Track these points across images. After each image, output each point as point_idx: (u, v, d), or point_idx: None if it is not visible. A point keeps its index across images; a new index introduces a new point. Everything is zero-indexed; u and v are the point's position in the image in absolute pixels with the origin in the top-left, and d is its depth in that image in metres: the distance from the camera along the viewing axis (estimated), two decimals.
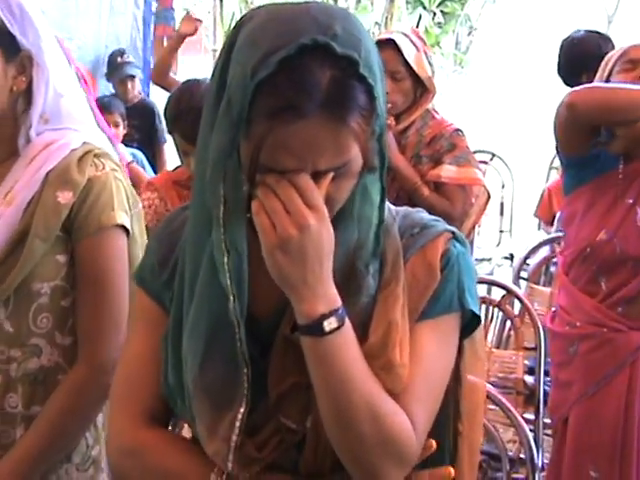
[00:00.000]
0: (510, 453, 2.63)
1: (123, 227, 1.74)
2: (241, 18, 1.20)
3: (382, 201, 1.26)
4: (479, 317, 1.32)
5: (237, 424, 1.23)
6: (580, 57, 4.04)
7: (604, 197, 2.57)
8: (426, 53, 3.30)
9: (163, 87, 4.51)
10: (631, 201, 2.53)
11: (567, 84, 4.09)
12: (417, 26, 12.92)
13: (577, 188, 2.66)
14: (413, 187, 3.21)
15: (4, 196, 1.67)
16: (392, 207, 1.35)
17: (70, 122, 1.75)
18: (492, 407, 2.66)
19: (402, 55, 3.18)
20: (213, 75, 1.21)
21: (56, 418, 1.70)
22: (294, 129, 1.10)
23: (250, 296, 1.24)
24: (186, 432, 1.57)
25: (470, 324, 1.33)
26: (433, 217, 1.35)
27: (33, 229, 1.65)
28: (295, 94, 1.10)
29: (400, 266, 1.26)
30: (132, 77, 5.43)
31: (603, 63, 2.66)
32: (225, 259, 1.20)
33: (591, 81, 2.75)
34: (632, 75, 2.53)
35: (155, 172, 5.38)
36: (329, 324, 1.16)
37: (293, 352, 1.23)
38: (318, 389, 1.20)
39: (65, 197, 1.67)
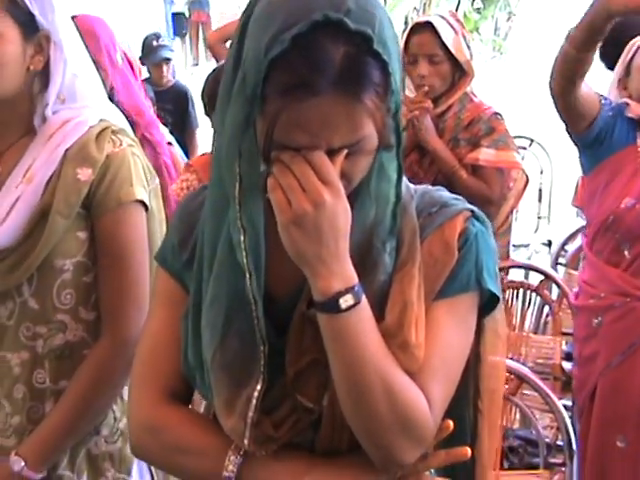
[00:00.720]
0: (547, 439, 2.61)
1: (142, 202, 1.75)
2: None
3: (399, 179, 1.25)
4: (498, 296, 1.31)
5: (253, 401, 1.23)
6: (615, 39, 3.99)
7: (624, 170, 2.61)
8: (464, 36, 3.27)
9: (213, 54, 4.44)
10: None
11: (608, 68, 4.05)
12: (456, 11, 12.84)
13: (595, 167, 2.69)
14: (451, 170, 3.19)
15: (23, 174, 1.68)
16: (411, 185, 1.34)
17: (85, 101, 1.76)
18: (529, 392, 2.65)
19: (440, 38, 3.16)
20: (230, 51, 1.20)
21: (83, 392, 1.72)
22: (307, 106, 1.09)
23: (268, 275, 1.24)
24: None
25: (489, 303, 1.32)
26: (453, 196, 1.34)
27: (54, 206, 1.66)
28: (308, 71, 1.08)
29: (417, 246, 1.25)
30: (167, 60, 5.43)
31: (628, 46, 2.71)
32: (241, 237, 1.20)
33: None
34: None
35: (187, 157, 5.40)
36: (345, 301, 1.15)
37: (311, 330, 1.22)
38: (334, 366, 1.19)
39: (85, 174, 1.68)
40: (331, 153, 1.13)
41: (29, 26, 1.64)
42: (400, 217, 1.26)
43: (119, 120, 1.84)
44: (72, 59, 1.72)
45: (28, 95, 1.70)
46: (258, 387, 1.24)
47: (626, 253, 2.60)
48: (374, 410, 1.18)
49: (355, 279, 1.17)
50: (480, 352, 1.36)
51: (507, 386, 2.43)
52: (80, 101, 1.75)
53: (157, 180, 1.86)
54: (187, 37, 14.03)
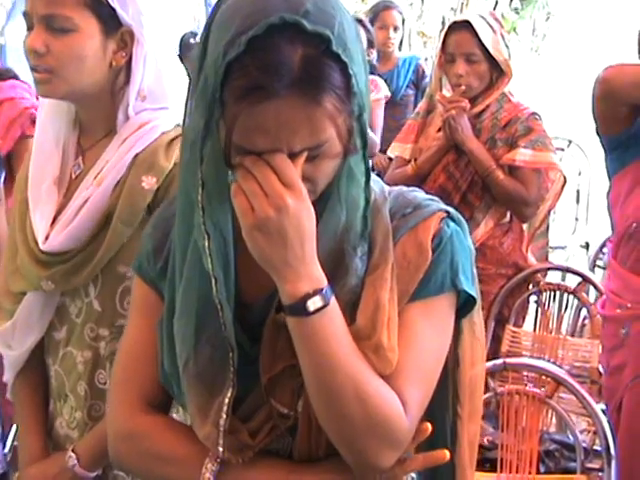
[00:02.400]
0: (584, 444, 2.58)
1: None
2: None
3: (367, 182, 1.22)
4: (475, 298, 1.29)
5: (224, 408, 1.22)
6: None
7: None
8: (503, 36, 3.25)
9: None
10: None
11: None
12: (494, 11, 12.75)
13: (620, 170, 2.63)
14: (487, 171, 3.17)
15: (95, 176, 1.68)
16: (385, 187, 1.32)
17: (167, 101, 1.74)
18: (566, 395, 2.62)
19: (478, 37, 3.14)
20: (196, 55, 1.19)
21: None
22: (265, 109, 1.08)
23: (241, 281, 1.24)
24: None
25: (467, 305, 1.30)
26: (428, 196, 1.31)
27: (117, 213, 1.65)
28: (263, 74, 1.07)
29: (389, 248, 1.23)
30: None
31: None
32: (206, 242, 1.19)
33: None
34: None
35: None
36: (313, 303, 1.14)
37: (284, 336, 1.20)
38: (304, 369, 1.18)
39: (149, 182, 1.66)
40: (293, 156, 1.12)
41: (110, 21, 1.63)
42: (372, 220, 1.25)
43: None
44: (158, 55, 1.70)
45: (111, 92, 1.69)
46: (229, 394, 1.23)
47: None
48: (346, 414, 1.17)
49: (323, 281, 1.16)
50: (459, 355, 1.34)
51: (544, 389, 2.41)
52: (161, 101, 1.73)
53: None
54: None
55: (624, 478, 2.56)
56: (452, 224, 1.28)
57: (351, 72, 1.12)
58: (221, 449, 1.24)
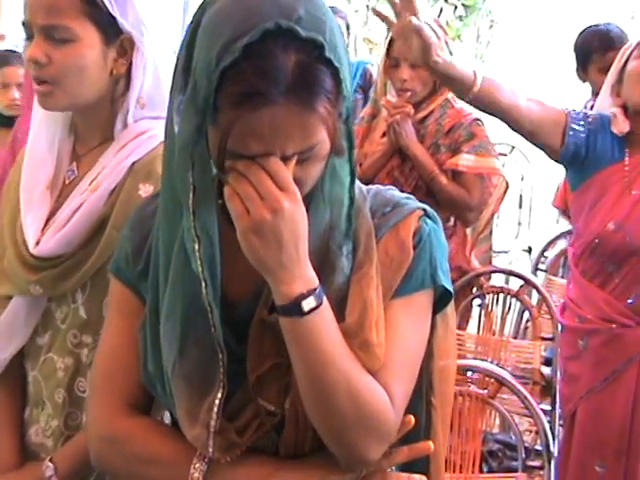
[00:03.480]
0: (526, 444, 2.63)
1: None
2: (206, 1, 1.18)
3: (352, 182, 1.26)
4: (451, 293, 1.33)
5: (215, 409, 1.23)
6: (581, 48, 4.04)
7: (611, 190, 2.55)
8: (447, 42, 3.27)
9: None
10: (638, 192, 2.51)
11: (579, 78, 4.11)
12: (438, 18, 12.83)
13: (582, 184, 2.63)
14: (430, 176, 3.20)
15: (91, 182, 1.67)
16: (363, 186, 1.34)
17: (162, 109, 1.74)
18: (508, 396, 2.66)
19: None
20: (179, 56, 1.20)
21: None
22: (261, 115, 1.09)
23: (226, 281, 1.25)
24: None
25: (442, 299, 1.34)
26: (404, 195, 1.35)
27: (112, 219, 1.64)
28: (260, 80, 1.08)
29: (372, 247, 1.26)
30: None
31: (621, 52, 2.64)
32: (196, 246, 1.20)
33: (601, 72, 2.72)
34: None
35: None
36: (307, 304, 1.16)
37: (270, 334, 1.23)
38: (297, 369, 1.20)
39: (147, 191, 1.64)
40: (284, 159, 1.14)
41: (110, 29, 1.62)
42: (355, 219, 1.27)
43: None
44: (158, 63, 1.69)
45: (110, 100, 1.68)
46: (219, 395, 1.24)
47: (613, 275, 2.58)
48: (338, 410, 1.19)
49: (316, 282, 1.18)
50: (433, 348, 1.38)
51: (487, 390, 2.44)
52: (160, 108, 1.69)
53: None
54: None
55: None
56: (429, 221, 1.31)
57: (341, 76, 1.14)
58: (211, 450, 1.24)
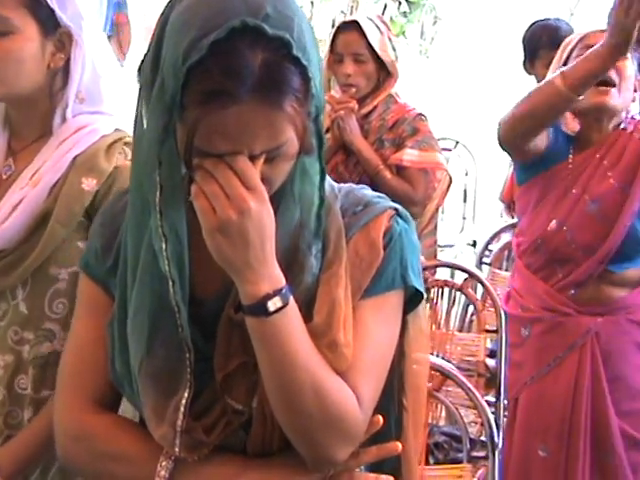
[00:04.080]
0: (471, 436, 2.65)
1: None
2: None
3: (322, 181, 1.25)
4: (422, 293, 1.33)
5: (182, 409, 1.23)
6: (529, 42, 4.09)
7: (555, 189, 2.62)
8: (390, 38, 3.30)
9: None
10: (579, 191, 2.58)
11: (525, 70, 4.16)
12: (382, 15, 12.90)
13: (529, 180, 2.71)
14: (375, 170, 3.22)
15: (31, 177, 1.65)
16: (335, 185, 1.35)
17: (106, 105, 1.72)
18: (453, 389, 2.69)
19: (366, 38, 3.18)
20: (147, 54, 1.19)
21: None
22: (227, 113, 1.09)
23: (194, 279, 1.25)
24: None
25: (413, 300, 1.34)
26: (376, 194, 1.35)
27: (55, 213, 1.62)
28: (226, 78, 1.08)
29: (342, 246, 1.26)
30: None
31: (561, 47, 2.68)
32: (163, 245, 1.20)
33: (547, 67, 2.76)
34: None
35: None
36: (273, 304, 1.16)
37: (238, 333, 1.23)
38: (263, 368, 1.20)
39: (89, 184, 1.64)
40: (252, 158, 1.13)
41: (49, 22, 1.61)
42: (325, 218, 1.27)
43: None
44: (96, 58, 1.68)
45: (48, 94, 1.66)
46: (185, 395, 1.24)
47: (558, 271, 2.64)
48: (304, 410, 1.20)
49: (282, 282, 1.18)
50: (404, 349, 1.38)
51: (431, 383, 2.46)
52: (99, 104, 1.70)
53: None
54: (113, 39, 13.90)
55: (519, 472, 2.65)
56: (401, 221, 1.31)
57: (310, 75, 1.13)
58: (177, 449, 1.24)
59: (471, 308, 3.66)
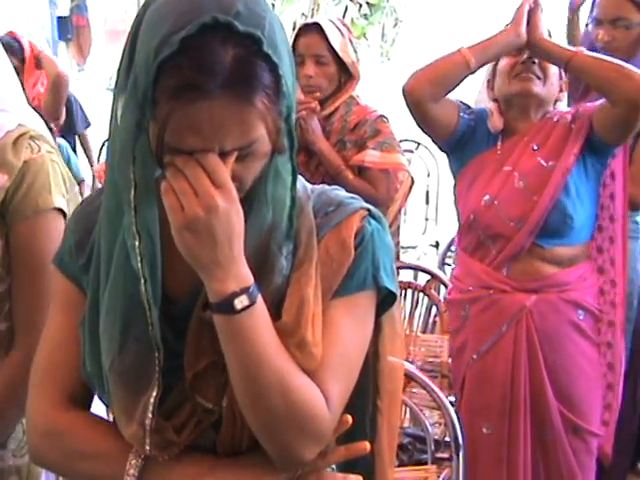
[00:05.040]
0: (436, 437, 2.66)
1: (61, 211, 1.70)
2: None
3: (294, 182, 1.26)
4: (395, 294, 1.33)
5: (150, 407, 1.24)
6: None
7: (485, 171, 2.73)
8: (351, 40, 3.31)
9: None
10: (509, 168, 2.69)
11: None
12: (343, 17, 12.94)
13: (461, 169, 2.82)
14: (336, 171, 3.22)
15: None
16: (308, 185, 1.35)
17: (4, 104, 1.70)
18: (417, 390, 2.69)
19: (327, 40, 3.18)
20: (123, 55, 1.20)
21: None
22: (197, 109, 1.10)
23: (166, 278, 1.25)
24: None
25: (387, 301, 1.34)
26: (349, 195, 1.35)
27: None
28: (196, 74, 1.09)
29: (313, 246, 1.27)
30: None
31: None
32: (136, 243, 1.20)
33: None
34: (517, 58, 2.69)
35: (88, 158, 5.42)
36: (240, 302, 1.16)
37: (208, 332, 1.23)
38: (230, 367, 1.20)
39: (0, 180, 1.62)
40: (223, 155, 1.14)
41: None
42: (297, 218, 1.27)
43: (39, 126, 1.79)
44: None
45: None
46: (154, 393, 1.24)
47: (491, 248, 2.71)
48: (271, 409, 1.20)
49: (250, 280, 1.18)
50: (379, 350, 1.38)
51: None
52: (1, 102, 1.68)
53: (77, 188, 1.81)
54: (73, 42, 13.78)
55: (466, 448, 2.68)
56: (373, 222, 1.31)
57: (281, 73, 1.14)
58: (148, 447, 1.24)
59: (434, 309, 3.67)
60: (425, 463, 2.51)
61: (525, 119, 2.72)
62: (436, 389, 2.34)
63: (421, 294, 3.66)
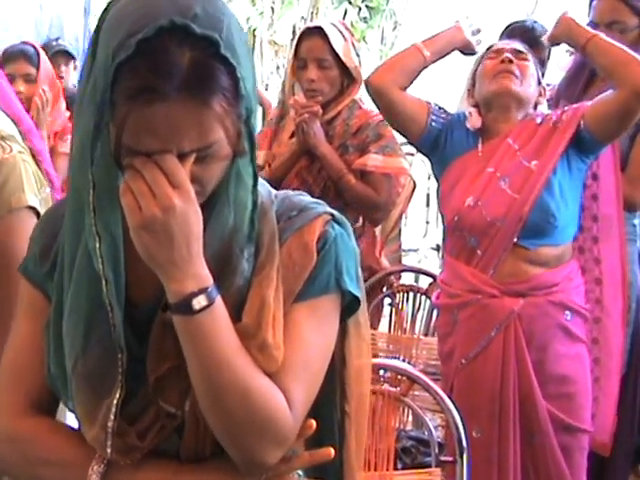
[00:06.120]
0: (439, 440, 2.66)
1: (34, 209, 1.70)
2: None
3: (255, 185, 1.26)
4: (360, 298, 1.33)
5: (112, 410, 1.23)
6: None
7: (467, 173, 2.76)
8: (353, 44, 3.32)
9: None
10: (492, 169, 2.72)
11: None
12: (343, 20, 12.90)
13: (443, 171, 2.85)
14: (339, 175, 3.22)
15: None
16: (272, 190, 1.35)
17: None
18: (420, 393, 2.69)
19: (330, 43, 3.19)
20: (85, 58, 1.20)
21: None
22: (155, 111, 1.10)
23: (130, 281, 1.25)
24: None
25: (352, 306, 1.34)
26: (313, 200, 1.35)
27: None
28: (153, 76, 1.10)
29: (275, 250, 1.27)
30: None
31: (476, 59, 2.91)
32: (97, 244, 1.20)
33: None
34: (495, 62, 2.77)
35: None
36: (198, 302, 1.16)
37: (171, 336, 1.22)
38: (191, 368, 1.20)
39: None
40: (182, 157, 1.14)
41: None
42: (259, 222, 1.27)
43: (8, 126, 1.79)
44: None
45: None
46: (117, 396, 1.23)
47: (476, 249, 2.72)
48: (231, 411, 1.19)
49: (209, 280, 1.18)
50: (345, 355, 1.38)
51: (398, 388, 2.47)
52: None
53: (48, 189, 1.81)
54: None
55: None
56: (337, 226, 1.31)
57: (239, 75, 1.14)
58: (109, 451, 1.23)
59: (436, 312, 3.67)
60: (428, 466, 2.51)
61: (506, 119, 2.75)
62: (439, 391, 2.34)
63: (423, 297, 3.66)
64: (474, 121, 2.77)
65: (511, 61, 2.72)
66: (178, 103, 1.11)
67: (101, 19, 1.18)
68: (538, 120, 2.75)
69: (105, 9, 1.19)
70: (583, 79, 3.29)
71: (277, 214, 1.30)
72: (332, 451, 1.31)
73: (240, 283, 1.24)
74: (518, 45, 2.83)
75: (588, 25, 3.26)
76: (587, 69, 3.26)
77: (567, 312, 2.71)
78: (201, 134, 1.14)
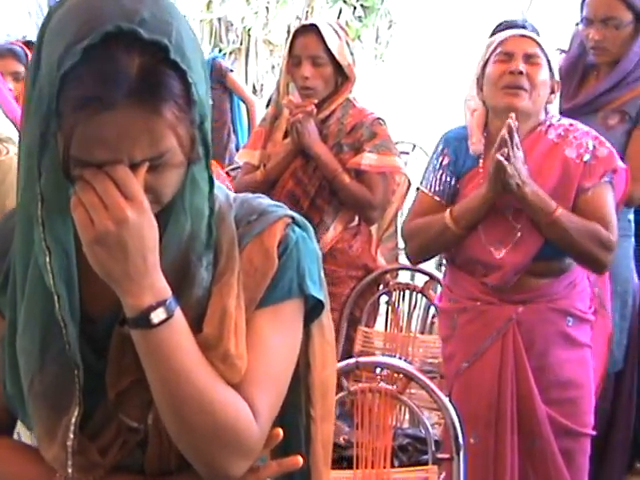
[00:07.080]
0: (435, 437, 2.66)
1: None
2: (54, 4, 1.16)
3: (211, 191, 1.22)
4: (323, 302, 1.31)
5: (71, 428, 1.20)
6: None
7: (468, 188, 2.72)
8: (348, 43, 3.33)
9: None
10: None
11: None
12: (338, 19, 12.92)
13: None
14: (333, 175, 3.22)
15: None
16: (230, 194, 1.32)
17: None
18: (417, 391, 2.70)
19: (324, 41, 3.20)
20: (30, 65, 1.17)
21: None
22: (102, 120, 1.07)
23: (86, 296, 1.22)
24: None
25: (315, 309, 1.32)
26: (273, 203, 1.32)
27: None
28: (100, 84, 1.06)
29: (235, 256, 1.23)
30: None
31: (483, 48, 2.75)
32: (47, 258, 1.16)
33: None
34: (506, 67, 2.62)
35: None
36: (157, 316, 1.13)
37: (130, 350, 1.18)
38: (151, 382, 1.17)
39: None
40: (134, 167, 1.11)
41: None
42: (217, 228, 1.24)
43: (7, 129, 1.79)
44: None
45: None
46: (75, 413, 1.20)
47: (479, 268, 2.70)
48: (194, 425, 1.17)
49: (167, 292, 1.15)
50: (309, 359, 1.35)
51: (395, 386, 2.47)
52: None
53: None
54: None
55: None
56: (298, 229, 1.28)
57: (190, 80, 1.11)
58: (70, 470, 1.20)
59: (432, 310, 3.68)
60: (425, 464, 2.51)
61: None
62: (436, 389, 2.35)
63: (419, 295, 3.66)
64: (476, 146, 2.72)
65: (521, 72, 2.58)
66: (127, 112, 1.07)
67: (43, 26, 1.14)
68: (543, 130, 2.67)
69: (47, 15, 1.15)
70: (577, 76, 3.30)
71: (236, 219, 1.27)
72: (300, 460, 1.28)
73: (200, 293, 1.21)
74: (529, 45, 2.66)
75: (582, 21, 3.25)
76: (580, 66, 3.27)
77: (569, 318, 2.69)
78: (153, 143, 1.10)
